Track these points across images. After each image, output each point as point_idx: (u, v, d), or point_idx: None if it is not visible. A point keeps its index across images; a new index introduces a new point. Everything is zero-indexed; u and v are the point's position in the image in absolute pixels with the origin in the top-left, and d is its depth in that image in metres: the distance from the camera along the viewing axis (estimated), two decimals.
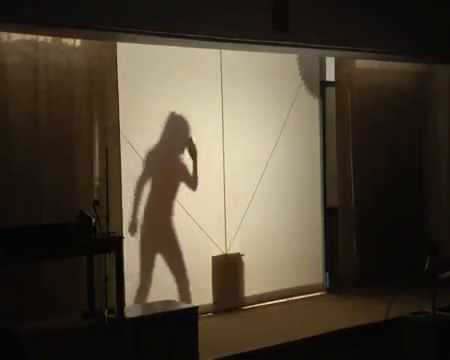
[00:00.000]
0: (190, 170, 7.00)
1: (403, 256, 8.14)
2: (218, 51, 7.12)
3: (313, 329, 6.29)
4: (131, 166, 6.60)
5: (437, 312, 5.34)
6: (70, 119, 6.06)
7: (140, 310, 5.95)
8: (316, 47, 7.02)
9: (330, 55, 7.79)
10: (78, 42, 6.10)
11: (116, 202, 6.14)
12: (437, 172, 8.74)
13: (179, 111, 6.91)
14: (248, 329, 6.52)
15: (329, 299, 7.77)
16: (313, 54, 7.64)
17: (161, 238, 6.91)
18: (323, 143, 8.04)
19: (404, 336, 5.51)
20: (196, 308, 5.70)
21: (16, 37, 5.77)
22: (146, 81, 6.72)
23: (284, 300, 7.57)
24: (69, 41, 6.04)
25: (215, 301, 7.13)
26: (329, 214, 8.05)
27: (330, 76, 8.01)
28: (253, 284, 7.37)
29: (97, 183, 6.10)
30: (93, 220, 5.25)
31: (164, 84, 6.82)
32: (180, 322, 5.47)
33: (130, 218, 6.66)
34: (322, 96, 8.03)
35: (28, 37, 5.82)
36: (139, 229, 6.74)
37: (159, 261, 6.85)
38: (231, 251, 7.29)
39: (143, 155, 6.73)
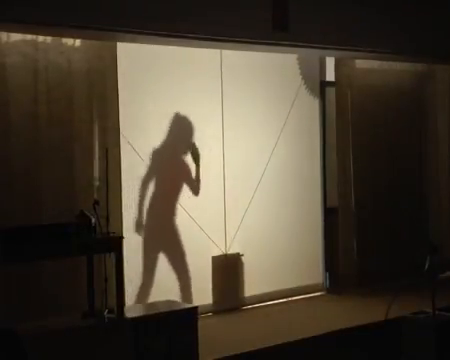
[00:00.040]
0: (193, 174, 7.01)
1: (403, 256, 8.14)
2: (218, 51, 7.12)
3: (313, 329, 6.29)
4: (131, 166, 6.60)
5: (437, 312, 5.33)
6: (70, 119, 6.06)
7: (140, 310, 5.95)
8: (316, 47, 7.02)
9: (330, 55, 7.79)
10: (78, 42, 6.10)
11: (116, 202, 6.14)
12: (437, 172, 8.74)
13: (179, 111, 6.91)
14: (248, 329, 6.52)
15: (329, 299, 7.77)
16: (313, 54, 7.64)
17: (164, 238, 6.91)
18: (323, 143, 8.04)
19: (404, 336, 5.50)
20: (196, 308, 5.70)
21: (16, 37, 5.77)
22: (146, 81, 6.72)
23: (284, 300, 7.57)
24: (69, 41, 6.04)
25: (215, 301, 7.13)
26: (329, 214, 8.05)
27: (330, 76, 8.01)
28: (253, 284, 7.37)
29: (97, 183, 6.10)
30: (93, 220, 5.25)
31: (164, 84, 6.82)
32: (180, 322, 5.47)
33: (136, 217, 6.68)
34: (322, 96, 8.03)
35: (28, 37, 5.82)
36: (146, 229, 6.76)
37: (161, 261, 6.86)
38: (231, 251, 7.30)
39: (145, 155, 6.72)
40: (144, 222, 6.75)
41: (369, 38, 7.19)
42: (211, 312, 7.05)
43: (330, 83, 8.00)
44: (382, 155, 8.17)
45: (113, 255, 5.34)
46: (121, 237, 5.49)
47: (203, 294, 6.99)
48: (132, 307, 6.13)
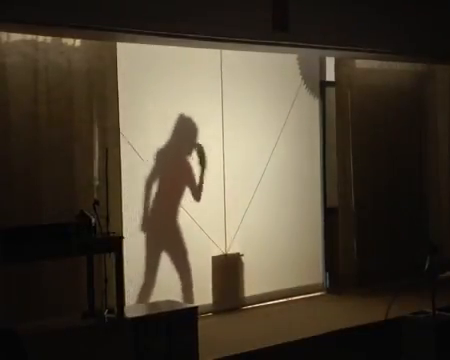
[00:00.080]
0: (196, 179, 7.02)
1: (403, 256, 8.14)
2: (218, 51, 7.12)
3: (313, 329, 6.29)
4: (131, 166, 6.60)
5: (437, 312, 5.33)
6: (70, 119, 6.06)
7: (140, 310, 5.95)
8: (316, 47, 7.02)
9: (330, 55, 7.79)
10: (78, 42, 6.10)
11: (116, 202, 6.14)
12: (437, 172, 8.74)
13: (181, 112, 6.91)
14: (248, 329, 6.52)
15: (329, 299, 7.77)
16: (313, 54, 7.64)
17: (166, 238, 6.92)
18: (323, 143, 8.04)
19: (404, 336, 5.50)
20: (196, 308, 5.70)
21: (16, 37, 5.77)
22: (146, 81, 6.72)
23: (284, 300, 7.57)
24: (69, 41, 6.04)
25: (215, 301, 7.13)
26: (329, 214, 8.05)
27: (330, 76, 8.01)
28: (253, 284, 7.37)
29: (97, 183, 6.10)
30: (93, 220, 5.25)
31: (164, 84, 6.82)
32: (180, 322, 5.47)
33: (141, 216, 6.70)
34: (322, 96, 8.03)
35: (28, 37, 5.82)
36: (145, 229, 6.76)
37: (163, 261, 6.87)
38: (231, 251, 7.30)
39: (145, 155, 6.72)
40: (147, 221, 6.76)
41: (369, 38, 7.19)
42: (211, 312, 7.05)
43: (330, 83, 8.00)
44: (382, 155, 8.17)
45: (113, 255, 5.35)
46: (121, 237, 5.49)
47: (203, 294, 6.99)
48: (132, 307, 6.13)
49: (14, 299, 5.68)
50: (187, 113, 6.95)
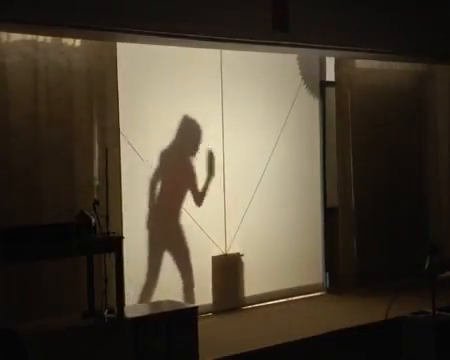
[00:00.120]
0: (199, 183, 7.02)
1: (403, 256, 8.14)
2: (218, 51, 7.12)
3: (313, 329, 6.29)
4: (131, 166, 6.60)
5: (437, 312, 5.33)
6: (70, 119, 6.06)
7: (140, 310, 5.94)
8: (316, 47, 7.02)
9: (330, 55, 7.79)
10: (78, 42, 6.10)
11: (116, 202, 6.14)
12: (437, 172, 8.74)
13: (184, 113, 6.91)
14: (248, 329, 6.52)
15: (329, 299, 7.77)
16: (313, 54, 7.64)
17: (167, 238, 6.93)
18: (323, 143, 8.04)
19: (404, 336, 5.50)
20: (196, 308, 5.70)
21: (16, 37, 5.77)
22: (146, 81, 6.72)
23: (284, 300, 7.57)
24: (69, 41, 6.04)
25: (215, 301, 7.13)
26: (329, 214, 8.05)
27: (330, 76, 8.01)
28: (253, 284, 7.37)
29: (97, 183, 6.10)
30: (93, 220, 5.25)
31: (164, 84, 6.82)
32: (180, 322, 5.47)
33: (145, 216, 6.74)
34: (322, 96, 8.03)
35: (28, 37, 5.82)
36: (147, 229, 6.76)
37: (164, 261, 6.87)
38: (231, 251, 7.30)
39: (145, 155, 6.72)
40: (150, 221, 6.77)
41: (369, 38, 7.19)
42: (211, 312, 7.05)
43: (330, 83, 8.00)
44: (382, 155, 8.17)
45: (113, 255, 5.35)
46: (121, 237, 5.49)
47: (203, 294, 6.99)
48: (132, 307, 6.12)
49: (14, 299, 5.68)
50: (187, 113, 6.95)
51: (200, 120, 7.04)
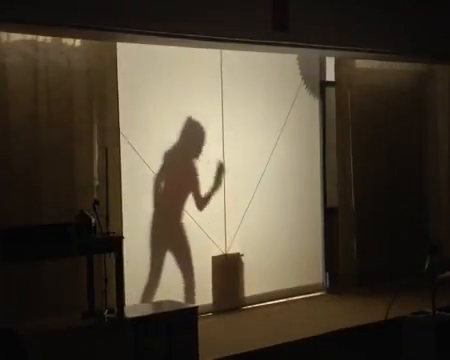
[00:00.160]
0: (202, 187, 7.04)
1: (403, 256, 8.14)
2: (218, 51, 7.12)
3: (313, 329, 6.29)
4: (131, 166, 6.60)
5: (437, 312, 5.33)
6: (70, 119, 6.06)
7: (140, 310, 5.94)
8: (316, 47, 7.02)
9: (330, 55, 7.79)
10: (78, 42, 6.10)
11: (116, 202, 6.14)
12: (437, 172, 8.74)
13: (179, 111, 6.92)
14: (248, 329, 6.52)
15: (329, 299, 7.77)
16: (313, 54, 7.64)
17: (169, 238, 6.93)
18: (323, 143, 8.04)
19: (404, 336, 5.50)
20: (196, 308, 5.70)
21: (16, 37, 5.77)
22: (146, 81, 6.72)
23: (284, 300, 7.57)
24: (69, 41, 6.04)
25: (215, 301, 7.13)
26: (329, 214, 8.05)
27: (330, 76, 8.01)
28: (253, 284, 7.37)
29: (97, 183, 6.10)
30: (93, 220, 5.25)
31: (164, 84, 6.82)
32: (180, 322, 5.47)
33: (148, 216, 6.75)
34: (322, 96, 8.03)
35: (28, 37, 5.82)
36: (149, 229, 6.77)
37: (166, 261, 6.88)
38: (231, 251, 7.30)
39: (147, 155, 6.72)
40: (151, 221, 6.78)
41: (369, 38, 7.19)
42: (211, 312, 7.05)
43: (330, 83, 8.00)
44: (382, 155, 8.17)
45: (113, 255, 5.35)
46: (121, 237, 5.49)
47: (203, 294, 6.99)
48: (132, 307, 6.12)
49: (14, 299, 5.68)
50: (190, 115, 6.96)
51: (200, 120, 7.04)
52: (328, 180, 8.06)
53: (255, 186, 7.46)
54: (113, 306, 5.35)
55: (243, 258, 7.34)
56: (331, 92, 8.00)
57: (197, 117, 7.02)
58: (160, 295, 6.64)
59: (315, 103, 7.99)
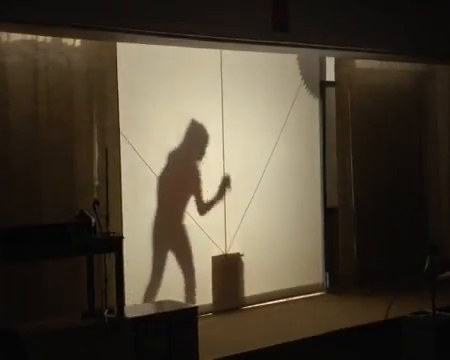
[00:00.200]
0: (204, 191, 7.05)
1: (403, 256, 8.14)
2: (218, 51, 7.12)
3: (313, 329, 6.29)
4: (132, 166, 6.60)
5: (437, 312, 5.33)
6: (70, 119, 6.06)
7: (140, 310, 5.93)
8: (316, 47, 7.02)
9: (330, 55, 7.79)
10: (78, 42, 6.10)
11: (116, 202, 6.14)
12: (437, 172, 8.74)
13: (179, 111, 6.92)
14: (248, 329, 6.52)
15: (329, 299, 7.77)
16: (313, 54, 7.64)
17: (170, 239, 6.94)
18: (323, 143, 8.04)
19: (404, 336, 5.50)
20: (196, 308, 5.70)
21: (16, 37, 5.77)
22: (146, 81, 6.72)
23: (284, 300, 7.57)
24: (69, 41, 6.04)
25: (215, 301, 7.13)
26: (329, 214, 8.05)
27: (330, 76, 8.01)
28: (253, 284, 7.37)
29: (97, 183, 6.10)
30: (93, 220, 5.25)
31: (164, 84, 6.82)
32: (180, 322, 5.47)
33: (151, 216, 6.77)
34: (322, 96, 8.03)
35: (28, 37, 5.82)
36: (150, 229, 6.77)
37: (167, 261, 6.89)
38: (231, 251, 7.30)
39: (147, 155, 6.72)
40: (153, 221, 6.79)
41: (369, 38, 7.19)
42: (211, 312, 7.05)
43: (330, 83, 8.00)
44: (382, 155, 8.17)
45: (113, 255, 5.35)
46: (121, 237, 5.49)
47: (203, 294, 6.99)
48: (132, 307, 6.12)
49: (14, 299, 5.68)
50: (187, 113, 6.96)
51: (200, 120, 7.04)
52: (328, 180, 8.06)
53: (255, 186, 7.46)
54: (113, 306, 5.35)
55: (243, 258, 7.34)
56: (331, 92, 8.00)
57: (197, 117, 7.02)
58: (160, 295, 6.64)
59: (315, 103, 7.99)
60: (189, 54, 6.82)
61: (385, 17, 7.27)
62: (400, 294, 5.37)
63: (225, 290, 7.19)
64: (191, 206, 7.02)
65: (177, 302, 6.06)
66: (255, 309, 7.31)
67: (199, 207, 7.05)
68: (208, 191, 7.13)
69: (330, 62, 7.97)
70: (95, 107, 6.21)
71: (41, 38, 5.89)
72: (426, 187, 8.62)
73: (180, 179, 7.00)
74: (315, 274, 7.97)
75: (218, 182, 7.22)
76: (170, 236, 6.96)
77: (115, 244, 5.35)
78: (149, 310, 5.89)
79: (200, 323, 5.65)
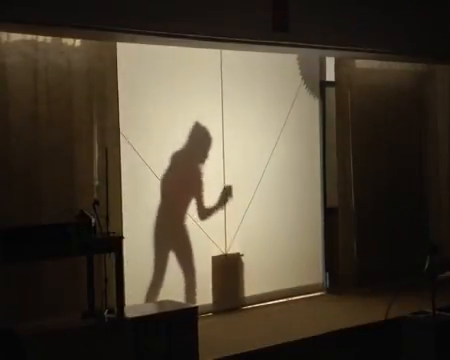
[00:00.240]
0: (205, 197, 7.06)
1: (403, 256, 8.14)
2: (218, 51, 7.12)
3: (313, 329, 6.29)
4: (132, 166, 6.60)
5: (437, 312, 5.34)
6: (70, 119, 6.06)
7: (140, 310, 5.93)
8: (316, 47, 7.02)
9: (330, 55, 7.79)
10: (78, 42, 6.10)
11: (116, 202, 6.14)
12: (437, 172, 8.74)
13: (179, 111, 6.92)
14: (248, 329, 6.52)
15: (329, 299, 7.77)
16: (313, 54, 7.64)
17: (171, 239, 6.94)
18: (323, 143, 8.04)
19: (404, 336, 5.50)
20: (196, 308, 5.70)
21: (16, 37, 5.77)
22: (146, 81, 6.72)
23: (284, 300, 7.57)
24: (69, 41, 6.04)
25: (215, 301, 7.13)
26: (329, 214, 8.05)
27: (330, 76, 8.01)
28: (253, 284, 7.37)
29: (97, 183, 6.10)
30: (93, 220, 5.25)
31: (164, 84, 6.83)
32: (180, 322, 5.47)
33: (152, 216, 6.78)
34: (322, 96, 8.03)
35: (28, 37, 5.82)
36: (150, 229, 6.77)
37: (167, 261, 6.89)
38: (231, 251, 7.30)
39: (147, 155, 6.72)
40: (154, 221, 6.79)
41: (369, 38, 7.19)
42: (211, 312, 7.05)
43: (330, 83, 8.00)
44: (382, 155, 8.17)
45: (113, 255, 5.35)
46: (121, 237, 5.49)
47: (203, 294, 6.99)
48: (132, 307, 6.11)
49: (14, 299, 5.67)
50: (187, 113, 6.96)
51: (200, 120, 7.04)
52: (328, 180, 8.06)
53: (255, 186, 7.46)
54: (113, 306, 5.35)
55: (243, 258, 7.34)
56: (331, 92, 8.00)
57: (197, 117, 7.02)
58: (160, 295, 6.64)
59: (315, 103, 7.99)
60: (189, 54, 6.82)
61: (385, 17, 7.27)
62: (400, 294, 5.37)
63: (225, 290, 7.19)
64: (191, 207, 7.02)
65: (177, 302, 6.06)
66: (255, 309, 7.31)
67: (200, 212, 7.06)
68: (210, 197, 7.13)
69: (330, 62, 7.97)
70: (95, 107, 6.21)
71: (41, 38, 5.89)
72: (426, 187, 8.62)
73: (182, 181, 7.01)
74: (315, 274, 7.97)
75: (218, 182, 7.22)
76: (170, 236, 6.96)
77: (115, 244, 5.35)
78: (149, 310, 5.88)
79: (200, 323, 5.65)
